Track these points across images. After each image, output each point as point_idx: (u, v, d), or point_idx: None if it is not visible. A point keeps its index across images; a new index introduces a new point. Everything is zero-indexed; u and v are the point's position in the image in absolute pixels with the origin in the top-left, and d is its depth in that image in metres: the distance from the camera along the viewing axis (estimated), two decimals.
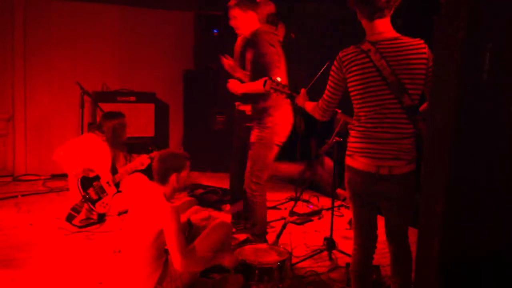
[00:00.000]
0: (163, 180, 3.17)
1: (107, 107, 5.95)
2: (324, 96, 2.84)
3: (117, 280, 3.44)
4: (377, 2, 2.58)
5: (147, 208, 3.13)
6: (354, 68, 2.64)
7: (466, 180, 1.93)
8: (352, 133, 2.76)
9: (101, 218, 4.86)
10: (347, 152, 2.78)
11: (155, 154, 5.25)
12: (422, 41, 2.62)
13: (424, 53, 2.58)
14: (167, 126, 7.79)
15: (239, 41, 4.69)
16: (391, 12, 2.66)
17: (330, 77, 2.78)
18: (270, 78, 3.31)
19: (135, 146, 6.22)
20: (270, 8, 4.65)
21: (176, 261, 2.99)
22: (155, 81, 7.49)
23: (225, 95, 5.13)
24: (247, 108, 4.56)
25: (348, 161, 2.77)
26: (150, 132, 7.00)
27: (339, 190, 5.15)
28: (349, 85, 2.70)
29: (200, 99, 7.36)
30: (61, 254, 4.06)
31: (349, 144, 2.78)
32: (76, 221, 4.66)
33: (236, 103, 4.71)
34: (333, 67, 2.75)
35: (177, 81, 7.64)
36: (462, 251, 1.95)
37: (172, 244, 2.99)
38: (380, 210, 2.87)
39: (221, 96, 6.93)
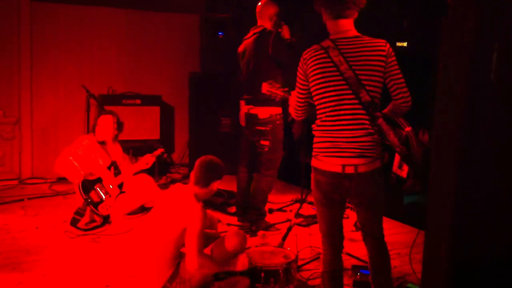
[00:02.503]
0: (204, 184, 3.31)
1: (112, 110, 5.96)
2: (296, 96, 2.90)
3: (125, 280, 3.47)
4: (344, 3, 2.68)
5: (176, 206, 3.23)
6: (314, 64, 2.70)
7: (475, 182, 1.93)
8: (315, 133, 2.78)
9: (106, 220, 4.87)
10: (312, 153, 2.78)
11: (159, 152, 5.30)
12: (383, 41, 2.68)
13: (383, 50, 2.63)
14: (173, 128, 7.81)
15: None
16: (356, 14, 2.75)
17: (297, 77, 2.84)
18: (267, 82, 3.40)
19: (141, 149, 6.24)
20: (274, 8, 4.67)
21: (192, 260, 3.06)
22: (161, 84, 7.51)
23: (231, 97, 5.15)
24: (260, 112, 4.59)
25: (313, 162, 2.78)
26: (155, 135, 7.01)
27: None
28: (310, 81, 2.75)
29: (206, 101, 7.35)
30: (68, 257, 4.07)
31: (313, 145, 2.78)
32: (82, 224, 4.67)
33: (247, 107, 4.72)
34: (298, 67, 2.82)
35: (183, 83, 7.65)
36: (471, 253, 1.95)
37: (192, 243, 3.08)
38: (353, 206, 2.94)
39: (227, 99, 6.95)
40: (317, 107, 2.75)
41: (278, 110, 4.65)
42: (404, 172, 2.70)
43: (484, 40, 1.87)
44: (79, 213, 4.66)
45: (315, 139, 2.77)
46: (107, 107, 6.02)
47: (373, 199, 2.77)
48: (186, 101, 7.71)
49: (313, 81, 2.72)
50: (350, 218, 5.23)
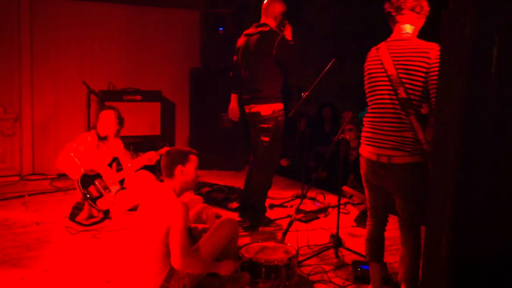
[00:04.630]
0: (169, 173, 3.20)
1: (113, 105, 5.94)
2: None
3: (126, 274, 3.46)
4: (398, 9, 2.96)
5: (158, 204, 3.15)
6: (368, 63, 3.09)
7: (475, 178, 1.91)
8: (364, 123, 3.12)
9: (106, 215, 4.87)
10: (360, 140, 3.15)
11: (164, 150, 5.28)
12: (433, 44, 2.85)
13: (427, 52, 2.83)
14: (174, 124, 7.81)
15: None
16: (417, 19, 2.98)
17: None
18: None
19: (141, 145, 6.23)
20: (281, 7, 4.63)
21: (175, 259, 2.99)
22: (162, 80, 7.50)
23: (231, 93, 5.12)
24: (263, 109, 4.57)
25: (359, 148, 3.15)
26: (156, 130, 7.01)
27: (345, 188, 5.14)
28: (365, 78, 3.11)
29: (206, 97, 7.36)
30: (69, 253, 4.08)
31: (362, 134, 3.14)
32: (81, 219, 4.68)
33: (248, 106, 4.69)
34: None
35: (183, 79, 7.65)
36: (471, 250, 1.94)
37: (175, 240, 3.00)
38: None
39: (227, 94, 6.93)
40: (367, 101, 3.09)
41: (280, 106, 4.63)
42: None
43: (484, 33, 1.85)
44: (78, 207, 4.67)
45: (363, 128, 3.12)
46: (107, 103, 6.01)
47: (408, 191, 2.96)
48: (187, 97, 7.71)
49: (365, 78, 3.09)
50: (351, 213, 5.24)
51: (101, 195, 4.85)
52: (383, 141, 2.93)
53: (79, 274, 3.67)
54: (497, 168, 1.92)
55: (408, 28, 2.98)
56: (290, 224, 4.09)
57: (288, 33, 4.61)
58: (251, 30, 4.70)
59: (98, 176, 4.91)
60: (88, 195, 4.75)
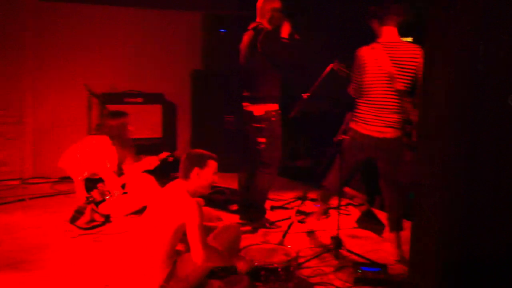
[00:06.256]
0: (186, 175, 3.29)
1: (114, 108, 5.90)
2: (352, 82, 4.04)
3: (125, 277, 3.47)
4: (386, 14, 3.77)
5: (169, 204, 3.20)
6: (363, 60, 3.84)
7: (468, 178, 1.90)
8: (359, 107, 3.96)
9: (107, 219, 4.86)
10: (354, 119, 3.99)
11: (164, 155, 5.27)
12: (418, 47, 3.70)
13: (417, 55, 3.68)
14: (175, 126, 7.78)
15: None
16: (395, 22, 3.79)
17: (353, 68, 4.00)
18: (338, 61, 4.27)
19: (142, 148, 6.22)
20: (271, 4, 4.59)
21: (198, 252, 3.04)
22: (163, 82, 7.46)
23: (233, 95, 5.11)
24: (255, 109, 4.55)
25: (354, 125, 3.99)
26: (157, 133, 7.00)
27: (346, 189, 5.12)
28: (361, 73, 3.87)
29: (208, 99, 7.34)
30: (69, 257, 4.07)
31: (356, 114, 3.98)
32: (82, 223, 4.66)
33: (244, 104, 4.69)
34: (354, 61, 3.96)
35: (184, 81, 7.62)
36: (460, 251, 1.92)
37: (195, 236, 3.06)
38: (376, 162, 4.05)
39: (229, 96, 6.92)
40: (363, 91, 3.89)
41: (274, 106, 4.59)
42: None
43: (474, 30, 1.84)
44: (79, 211, 4.65)
45: (358, 111, 3.96)
46: (109, 106, 6.00)
47: (391, 155, 3.90)
48: (188, 99, 7.68)
49: (362, 74, 3.86)
50: (352, 215, 5.21)
51: (103, 199, 4.85)
52: (383, 121, 3.81)
53: (78, 278, 3.66)
54: (499, 169, 1.90)
55: (395, 31, 3.78)
56: (290, 226, 4.07)
57: (284, 30, 4.53)
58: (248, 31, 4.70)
59: (100, 180, 4.91)
60: (91, 199, 4.75)
